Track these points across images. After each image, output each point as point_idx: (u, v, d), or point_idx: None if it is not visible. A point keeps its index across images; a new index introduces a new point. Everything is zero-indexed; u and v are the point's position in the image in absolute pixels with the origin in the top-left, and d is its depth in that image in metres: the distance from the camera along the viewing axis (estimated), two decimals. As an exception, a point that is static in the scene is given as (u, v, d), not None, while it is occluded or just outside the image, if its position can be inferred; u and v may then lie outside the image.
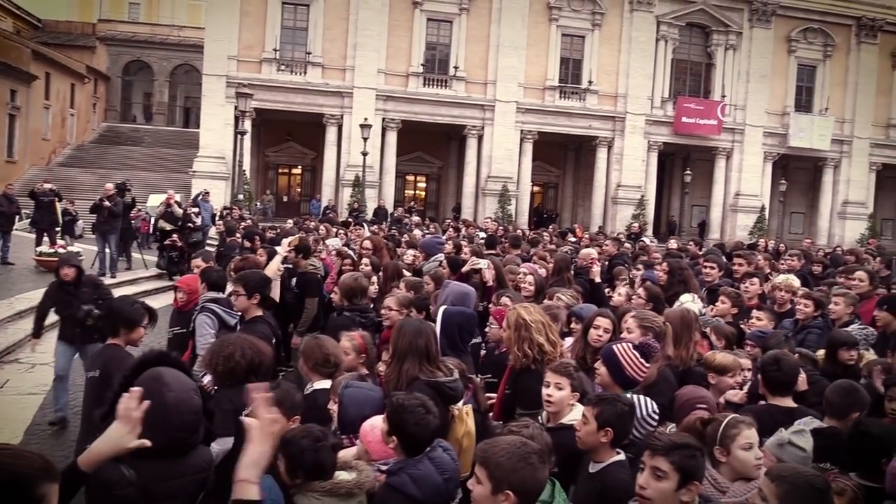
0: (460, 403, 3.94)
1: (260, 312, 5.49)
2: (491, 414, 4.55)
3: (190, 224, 17.39)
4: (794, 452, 3.37)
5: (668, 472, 2.59)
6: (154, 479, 2.65)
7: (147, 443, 2.50)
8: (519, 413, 4.24)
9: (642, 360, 3.88)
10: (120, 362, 4.22)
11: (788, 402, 4.13)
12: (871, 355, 5.44)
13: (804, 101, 39.18)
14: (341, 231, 13.66)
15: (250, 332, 4.86)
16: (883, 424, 3.60)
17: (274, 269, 6.41)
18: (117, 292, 15.12)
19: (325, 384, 4.15)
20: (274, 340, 5.41)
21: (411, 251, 9.64)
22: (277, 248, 7.33)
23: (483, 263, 7.75)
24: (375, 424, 3.34)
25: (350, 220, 19.39)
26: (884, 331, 6.35)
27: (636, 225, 21.17)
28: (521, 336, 4.40)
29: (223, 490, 2.89)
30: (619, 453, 3.23)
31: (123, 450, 2.45)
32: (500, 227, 18.75)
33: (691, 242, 14.95)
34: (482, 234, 15.20)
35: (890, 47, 39.37)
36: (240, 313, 5.62)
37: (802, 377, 4.48)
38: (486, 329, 5.60)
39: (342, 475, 3.01)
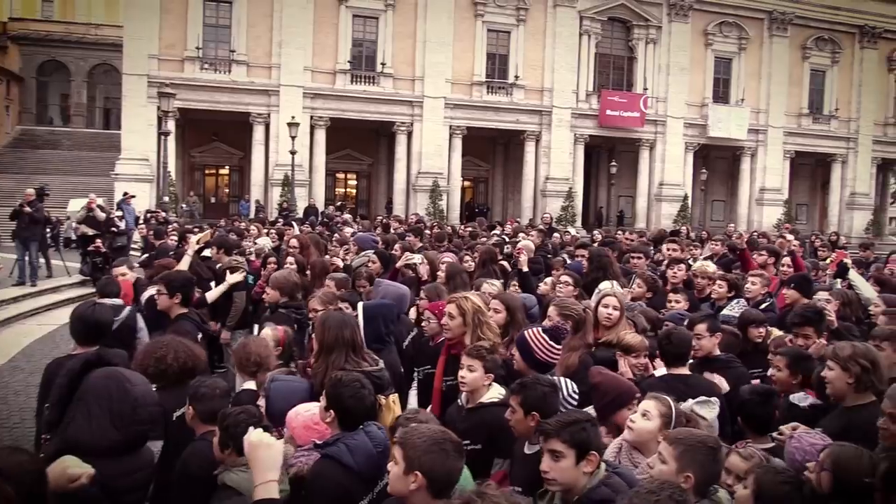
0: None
1: (184, 310, 5.51)
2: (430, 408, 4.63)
3: (113, 228, 16.93)
4: (698, 422, 3.60)
5: (564, 450, 2.76)
6: (120, 475, 2.72)
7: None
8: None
9: (552, 343, 4.06)
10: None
11: (683, 370, 4.51)
12: (777, 332, 5.82)
13: (722, 93, 40.65)
14: (272, 231, 13.57)
15: (175, 331, 4.90)
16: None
17: (185, 267, 6.53)
18: (40, 301, 14.72)
19: (250, 384, 4.22)
20: (200, 336, 5.43)
21: (342, 249, 9.70)
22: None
23: (417, 258, 7.89)
24: (300, 411, 3.44)
25: (279, 219, 19.22)
26: (789, 307, 6.78)
27: (547, 216, 21.74)
28: (480, 321, 4.55)
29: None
30: None
31: None
32: (429, 222, 18.90)
33: (619, 233, 15.38)
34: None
35: (800, 39, 41.16)
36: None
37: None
38: (423, 324, 5.57)
39: None
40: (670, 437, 3.00)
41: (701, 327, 4.97)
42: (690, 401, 3.75)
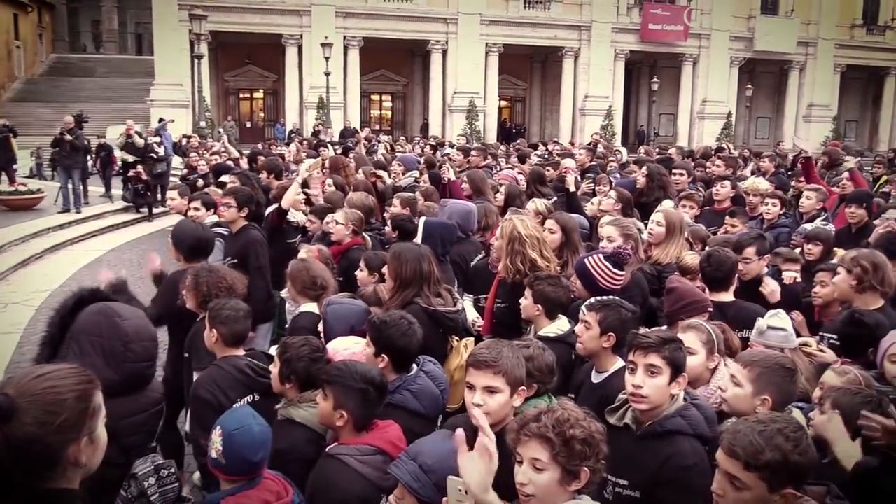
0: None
1: (247, 223, 5.67)
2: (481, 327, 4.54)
3: (152, 154, 16.92)
4: (775, 334, 3.47)
5: (662, 366, 2.62)
6: (118, 417, 2.44)
7: None
8: (525, 329, 4.20)
9: (615, 270, 3.89)
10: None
11: (724, 297, 4.17)
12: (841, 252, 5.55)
13: (770, 4, 38.82)
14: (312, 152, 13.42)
15: (249, 236, 5.51)
16: (875, 315, 3.68)
17: (292, 196, 6.19)
18: (85, 228, 14.92)
19: (310, 307, 4.14)
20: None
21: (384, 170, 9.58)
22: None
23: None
24: (338, 348, 3.31)
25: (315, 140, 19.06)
26: (849, 227, 6.49)
27: (597, 135, 21.09)
28: (515, 249, 4.32)
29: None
30: (620, 360, 3.20)
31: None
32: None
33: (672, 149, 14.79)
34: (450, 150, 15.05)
35: (855, -57, 38.90)
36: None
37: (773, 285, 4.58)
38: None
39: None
40: (744, 359, 2.92)
41: (750, 251, 4.68)
42: (760, 319, 3.60)
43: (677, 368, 2.65)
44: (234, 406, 3.23)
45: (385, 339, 3.08)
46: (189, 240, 4.77)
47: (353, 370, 2.74)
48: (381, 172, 8.53)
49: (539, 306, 3.78)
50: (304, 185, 7.52)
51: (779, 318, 3.55)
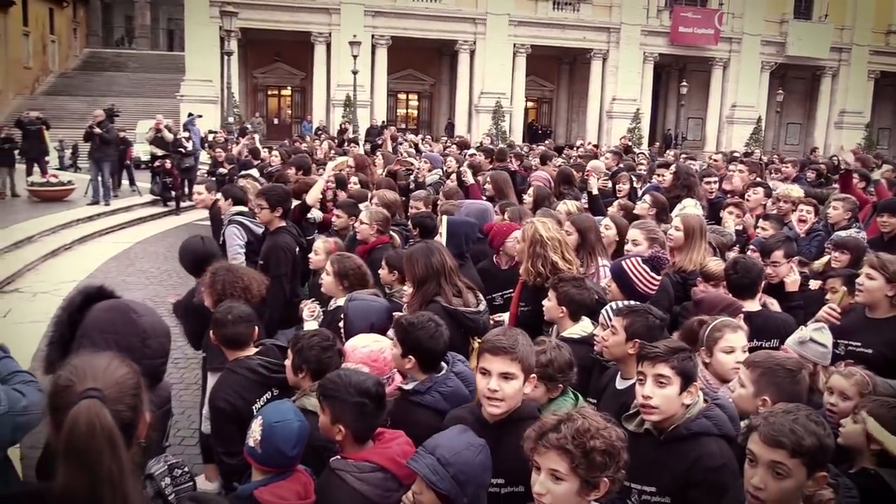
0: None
1: (283, 224, 5.67)
2: None
3: (181, 149, 17.12)
4: (815, 349, 3.41)
5: (671, 376, 2.61)
6: None
7: None
8: (547, 330, 4.18)
9: (653, 274, 3.85)
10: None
11: (750, 306, 4.07)
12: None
13: (803, 8, 38.27)
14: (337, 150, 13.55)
15: (275, 241, 5.47)
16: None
17: (317, 193, 6.46)
18: (113, 220, 15.14)
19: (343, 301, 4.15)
20: (298, 249, 5.66)
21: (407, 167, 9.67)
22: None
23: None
24: (357, 345, 3.31)
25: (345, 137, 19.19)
26: (881, 236, 6.38)
27: (625, 137, 20.94)
28: (536, 252, 4.29)
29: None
30: None
31: None
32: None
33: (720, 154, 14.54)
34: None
35: (892, -52, 38.23)
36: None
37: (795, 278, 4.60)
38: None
39: None
40: (748, 360, 2.97)
41: (778, 254, 4.67)
42: (805, 328, 3.55)
43: (688, 378, 2.64)
44: (254, 408, 3.26)
45: (412, 340, 3.07)
46: (189, 256, 4.88)
47: (347, 382, 2.68)
48: (411, 160, 8.60)
49: (564, 308, 3.77)
50: (341, 185, 7.63)
51: (823, 334, 3.49)
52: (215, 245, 5.26)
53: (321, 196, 6.75)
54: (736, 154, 17.49)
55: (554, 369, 3.00)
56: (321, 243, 5.15)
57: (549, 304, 3.81)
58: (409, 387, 3.08)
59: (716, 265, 4.67)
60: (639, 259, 3.95)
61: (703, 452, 2.56)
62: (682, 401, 2.63)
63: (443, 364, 3.14)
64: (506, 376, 2.60)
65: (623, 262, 3.98)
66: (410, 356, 3.08)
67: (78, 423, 1.55)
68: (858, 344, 3.80)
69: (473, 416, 2.71)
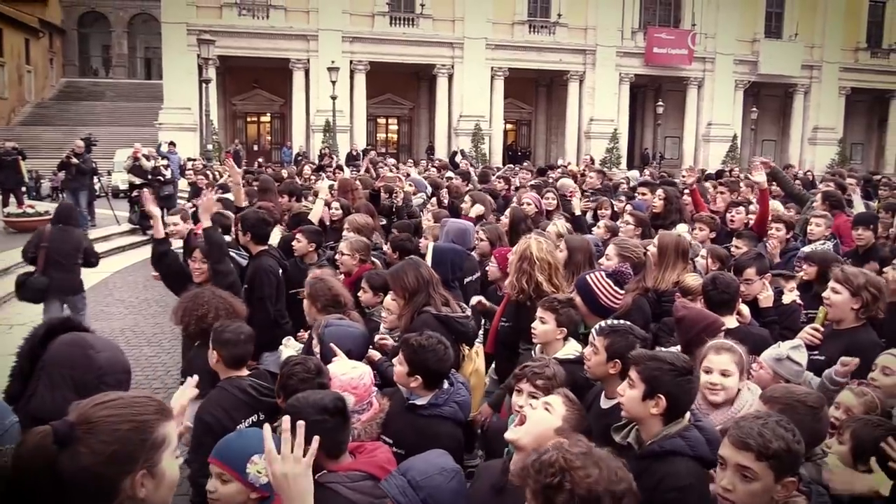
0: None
1: (263, 247, 5.70)
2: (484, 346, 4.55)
3: (159, 177, 17.05)
4: (790, 367, 3.42)
5: (636, 380, 2.66)
6: None
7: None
8: (522, 348, 4.20)
9: (616, 288, 3.89)
10: None
11: (728, 322, 4.00)
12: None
13: (774, 28, 39.02)
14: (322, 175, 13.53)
15: (259, 264, 5.46)
16: None
17: (317, 214, 6.75)
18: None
19: None
20: (281, 271, 5.68)
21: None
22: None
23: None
24: (337, 373, 3.28)
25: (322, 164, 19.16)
26: (857, 249, 6.47)
27: (587, 157, 21.18)
28: (523, 269, 4.29)
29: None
30: None
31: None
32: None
33: (685, 170, 14.70)
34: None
35: (858, -32, 39.13)
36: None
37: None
38: (487, 268, 5.45)
39: None
40: (766, 395, 2.86)
41: (750, 271, 4.71)
42: (782, 345, 3.55)
43: (653, 385, 2.63)
44: (238, 427, 3.22)
45: (421, 361, 3.18)
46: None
47: (305, 403, 2.67)
48: (395, 176, 8.72)
49: (564, 329, 3.75)
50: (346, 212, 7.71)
51: (800, 352, 3.50)
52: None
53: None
54: (710, 173, 17.69)
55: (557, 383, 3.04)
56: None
57: (547, 326, 3.73)
58: (422, 402, 3.17)
59: (693, 280, 4.71)
60: (603, 273, 4.01)
61: (669, 472, 2.55)
62: (650, 409, 2.63)
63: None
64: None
65: (587, 276, 4.03)
66: (417, 376, 3.18)
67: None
68: (816, 353, 3.84)
69: (503, 471, 2.59)
